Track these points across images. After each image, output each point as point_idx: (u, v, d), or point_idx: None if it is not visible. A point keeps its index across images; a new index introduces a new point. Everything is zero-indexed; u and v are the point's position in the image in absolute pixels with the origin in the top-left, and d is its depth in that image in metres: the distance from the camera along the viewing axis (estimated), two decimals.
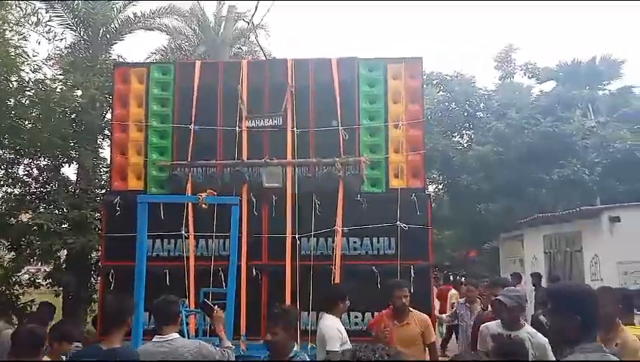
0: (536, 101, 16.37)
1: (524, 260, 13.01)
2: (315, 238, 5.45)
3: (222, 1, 14.76)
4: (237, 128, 5.69)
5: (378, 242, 5.47)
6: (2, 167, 9.89)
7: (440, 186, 19.14)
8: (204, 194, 4.40)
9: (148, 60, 12.81)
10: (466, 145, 17.86)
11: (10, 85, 8.78)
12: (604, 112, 16.40)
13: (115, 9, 11.52)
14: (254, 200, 5.55)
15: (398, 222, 5.40)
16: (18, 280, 9.75)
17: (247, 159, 5.65)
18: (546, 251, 11.84)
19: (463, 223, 16.63)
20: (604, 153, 13.95)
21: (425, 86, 14.98)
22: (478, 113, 17.19)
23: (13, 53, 8.38)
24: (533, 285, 9.93)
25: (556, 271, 10.93)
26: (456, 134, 18.22)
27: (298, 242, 5.43)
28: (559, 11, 66.82)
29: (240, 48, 15.08)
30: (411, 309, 4.38)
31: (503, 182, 14.61)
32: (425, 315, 4.49)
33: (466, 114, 17.22)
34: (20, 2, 8.63)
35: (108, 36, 11.49)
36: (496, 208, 14.46)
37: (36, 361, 3.35)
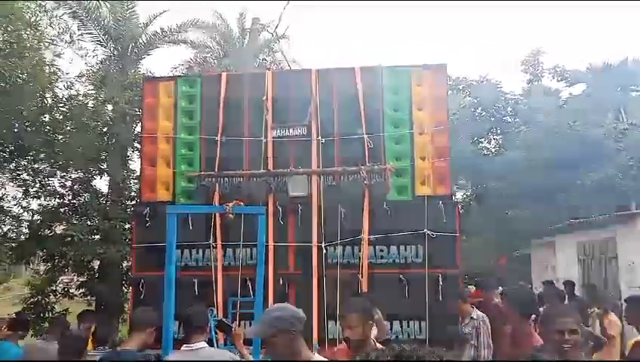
0: (565, 104, 15.97)
1: (556, 267, 12.66)
2: (342, 247, 5.44)
3: (244, 13, 15.03)
4: (263, 138, 5.75)
5: (405, 250, 5.41)
6: (38, 180, 10.25)
7: (468, 193, 18.84)
8: (231, 205, 4.46)
9: (174, 73, 13.11)
10: (493, 150, 17.55)
11: (46, 102, 9.12)
12: (637, 114, 15.89)
13: (142, 24, 11.85)
14: (280, 209, 5.58)
15: (426, 230, 5.34)
16: (53, 289, 10.05)
17: (273, 169, 5.69)
18: (580, 258, 11.50)
19: (492, 230, 16.29)
20: (638, 156, 13.49)
21: (451, 91, 14.88)
22: (505, 118, 16.88)
23: (47, 72, 8.71)
24: (566, 294, 9.64)
25: (591, 279, 10.60)
26: (483, 140, 17.91)
27: (325, 251, 5.43)
28: (587, 13, 65.42)
29: (264, 59, 15.27)
30: (378, 343, 3.19)
31: (532, 188, 14.26)
32: None
33: (493, 119, 16.93)
34: (52, 20, 8.96)
35: (137, 51, 11.82)
36: (526, 214, 14.13)
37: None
